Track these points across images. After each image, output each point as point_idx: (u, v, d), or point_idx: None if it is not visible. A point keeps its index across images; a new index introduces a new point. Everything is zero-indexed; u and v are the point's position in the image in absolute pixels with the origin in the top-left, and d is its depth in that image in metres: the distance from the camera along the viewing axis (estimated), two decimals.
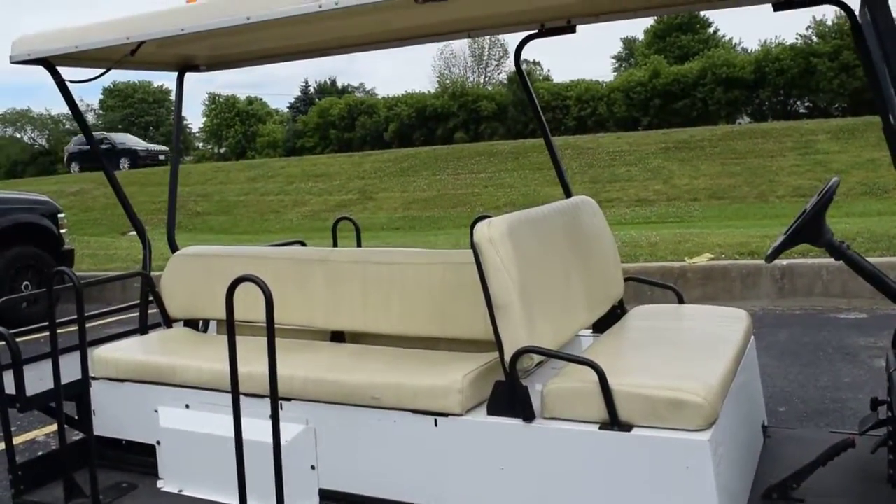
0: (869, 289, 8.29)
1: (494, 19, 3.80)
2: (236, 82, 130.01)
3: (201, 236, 18.95)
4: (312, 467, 3.18)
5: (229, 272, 3.93)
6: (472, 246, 2.86)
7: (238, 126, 61.82)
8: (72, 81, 4.03)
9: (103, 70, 3.99)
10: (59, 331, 3.38)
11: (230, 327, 2.91)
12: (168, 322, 4.24)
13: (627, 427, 2.62)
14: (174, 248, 4.41)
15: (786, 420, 4.81)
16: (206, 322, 4.33)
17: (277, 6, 3.03)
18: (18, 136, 67.53)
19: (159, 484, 3.51)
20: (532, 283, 2.93)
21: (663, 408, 2.57)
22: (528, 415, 2.77)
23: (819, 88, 34.58)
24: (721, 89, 36.70)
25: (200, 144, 69.71)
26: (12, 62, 3.89)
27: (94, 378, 3.72)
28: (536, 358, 2.85)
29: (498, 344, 2.84)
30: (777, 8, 3.22)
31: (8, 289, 9.34)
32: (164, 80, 75.12)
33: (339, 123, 52.98)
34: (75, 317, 3.35)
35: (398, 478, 3.02)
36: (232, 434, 3.04)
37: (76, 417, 3.82)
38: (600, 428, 2.65)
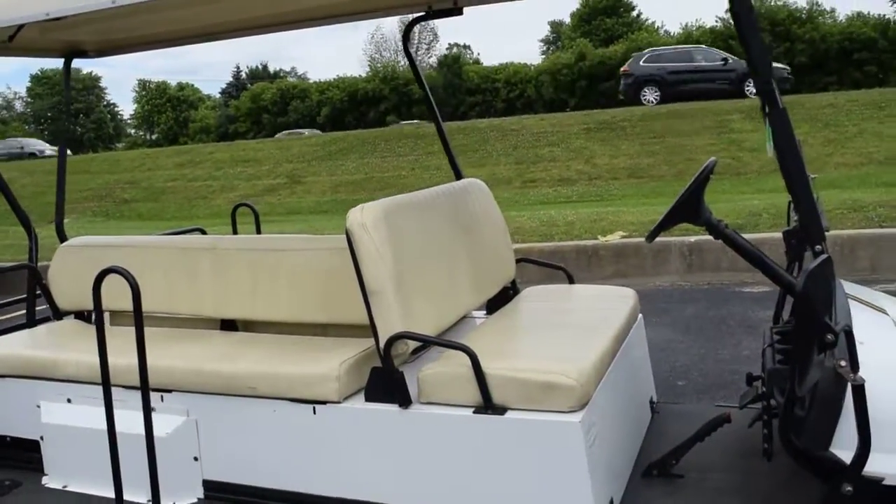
0: (780, 261, 8.47)
1: (383, 1, 3.71)
2: (167, 68, 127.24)
3: (128, 223, 18.52)
4: (195, 458, 3.09)
5: (118, 262, 3.80)
6: (346, 232, 2.77)
7: (169, 112, 60.70)
8: None
9: None
10: None
11: (98, 319, 2.81)
12: (57, 314, 4.06)
13: (501, 410, 2.58)
14: (63, 238, 4.22)
15: (684, 393, 4.84)
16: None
17: None
18: None
19: (44, 480, 3.39)
20: (409, 268, 2.86)
21: (536, 391, 2.54)
22: (403, 400, 2.71)
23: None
24: None
25: (132, 131, 68.21)
26: None
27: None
28: (412, 344, 2.78)
29: (373, 330, 2.77)
30: None
31: None
32: (94, 66, 73.06)
33: (271, 108, 52.44)
34: None
35: (280, 466, 2.95)
36: (123, 429, 2.95)
37: None
38: (475, 412, 2.60)
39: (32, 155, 36.86)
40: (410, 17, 3.96)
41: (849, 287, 3.01)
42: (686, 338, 6.05)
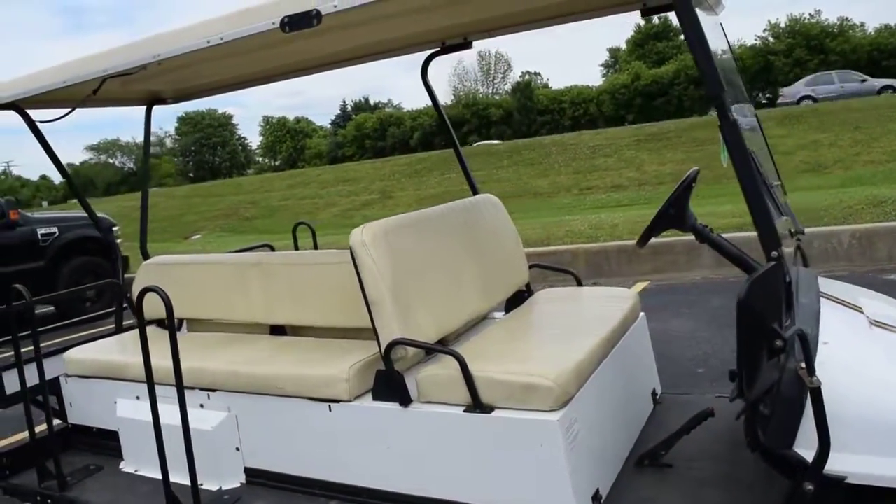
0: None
1: (401, 41, 3.59)
2: (287, 105, 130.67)
3: (249, 237, 18.90)
4: (237, 448, 3.06)
5: (187, 277, 3.81)
6: (350, 249, 2.66)
7: (289, 141, 62.16)
8: (41, 121, 3.84)
9: (69, 109, 3.80)
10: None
11: (141, 329, 2.82)
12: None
13: (489, 409, 2.42)
14: (146, 257, 4.24)
15: (703, 380, 4.54)
16: (180, 322, 4.16)
17: (179, 43, 2.83)
18: (111, 161, 68.40)
19: (121, 465, 3.41)
20: (409, 280, 2.72)
21: (518, 391, 2.38)
22: (403, 400, 2.59)
23: (777, 81, 33.95)
24: (693, 87, 36.19)
25: (259, 159, 70.14)
26: None
27: (67, 375, 3.68)
28: (412, 349, 2.63)
29: (376, 336, 2.64)
30: (644, 14, 2.97)
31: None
32: (227, 106, 75.55)
33: (372, 134, 53.20)
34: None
35: (305, 457, 2.89)
36: (172, 421, 2.96)
37: (57, 409, 3.72)
38: (465, 410, 2.46)
39: None
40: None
41: (829, 285, 2.71)
42: (709, 328, 5.71)
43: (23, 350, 3.36)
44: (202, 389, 3.11)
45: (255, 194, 24.88)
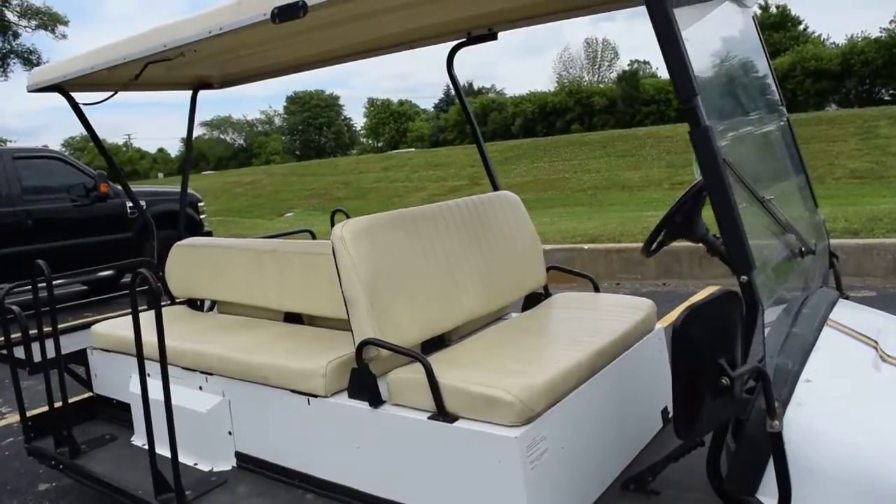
0: (883, 267, 7.30)
1: (427, 31, 3.51)
2: (393, 87, 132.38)
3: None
4: (229, 433, 3.09)
5: (213, 259, 3.87)
6: (332, 245, 2.61)
7: (392, 124, 62.88)
8: (85, 104, 3.97)
9: (112, 92, 3.90)
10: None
11: (134, 312, 2.91)
12: (172, 301, 4.18)
13: (453, 418, 2.33)
14: (181, 238, 4.33)
15: None
16: (210, 303, 4.24)
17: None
18: (222, 137, 71.24)
19: (132, 438, 3.50)
20: (392, 279, 2.65)
21: (481, 403, 2.27)
22: (373, 400, 2.53)
23: None
24: (810, 80, 34.34)
25: (364, 140, 71.39)
26: (29, 91, 3.86)
27: (93, 348, 3.80)
28: (384, 350, 2.55)
29: (352, 334, 2.58)
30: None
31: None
32: (335, 87, 77.24)
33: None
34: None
35: (286, 448, 2.89)
36: (177, 401, 3.04)
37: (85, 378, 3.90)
38: (429, 417, 2.37)
39: None
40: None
41: (849, 311, 2.44)
42: None
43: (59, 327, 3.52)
44: (202, 372, 3.16)
45: (349, 175, 25.32)
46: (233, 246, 3.87)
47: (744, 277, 1.75)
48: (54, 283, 3.31)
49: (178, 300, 4.18)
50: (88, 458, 3.35)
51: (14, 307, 3.48)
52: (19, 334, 3.53)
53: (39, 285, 3.35)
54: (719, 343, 1.62)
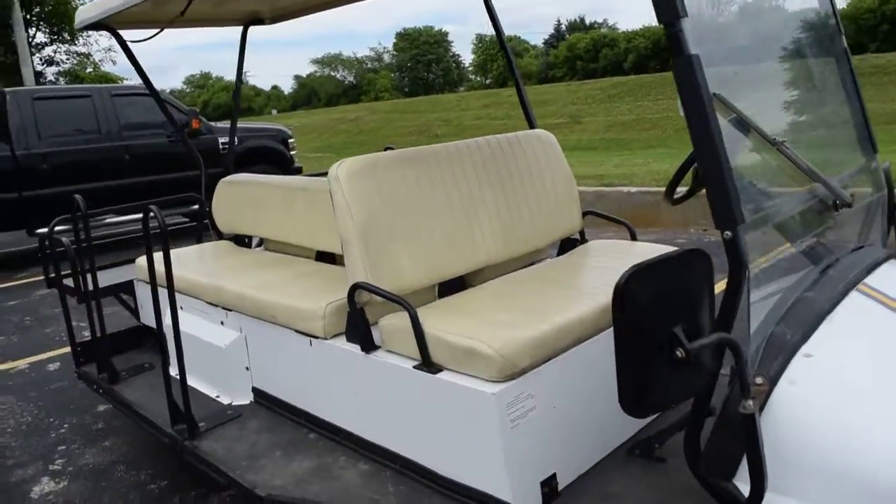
0: None
1: None
2: (506, 22, 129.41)
3: None
4: (247, 368, 3.13)
5: (254, 196, 3.86)
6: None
7: (500, 60, 61.65)
8: (132, 41, 3.98)
9: (158, 30, 3.89)
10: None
11: (147, 247, 2.95)
12: (219, 236, 4.22)
13: (437, 368, 2.23)
14: (227, 174, 4.35)
15: None
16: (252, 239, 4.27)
17: None
18: (332, 74, 72.14)
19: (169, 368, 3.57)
20: (392, 221, 2.55)
21: (461, 355, 2.16)
22: (365, 345, 2.47)
23: None
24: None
25: (472, 77, 70.59)
26: (77, 29, 3.92)
27: (138, 280, 3.90)
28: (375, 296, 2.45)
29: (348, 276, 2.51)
30: None
31: None
32: (445, 23, 76.37)
33: (584, 56, 51.27)
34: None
35: (294, 387, 2.90)
36: (201, 335, 3.24)
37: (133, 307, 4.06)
38: (414, 367, 2.29)
39: None
40: None
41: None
42: None
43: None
44: (223, 308, 3.17)
45: (450, 112, 25.11)
46: (269, 183, 3.85)
47: (727, 233, 1.51)
48: (136, 217, 3.39)
49: (225, 236, 4.22)
50: (125, 385, 3.47)
51: (64, 239, 3.59)
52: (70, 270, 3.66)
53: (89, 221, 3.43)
54: (677, 308, 1.40)
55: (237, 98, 4.78)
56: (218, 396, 3.18)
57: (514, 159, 3.05)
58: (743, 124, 1.92)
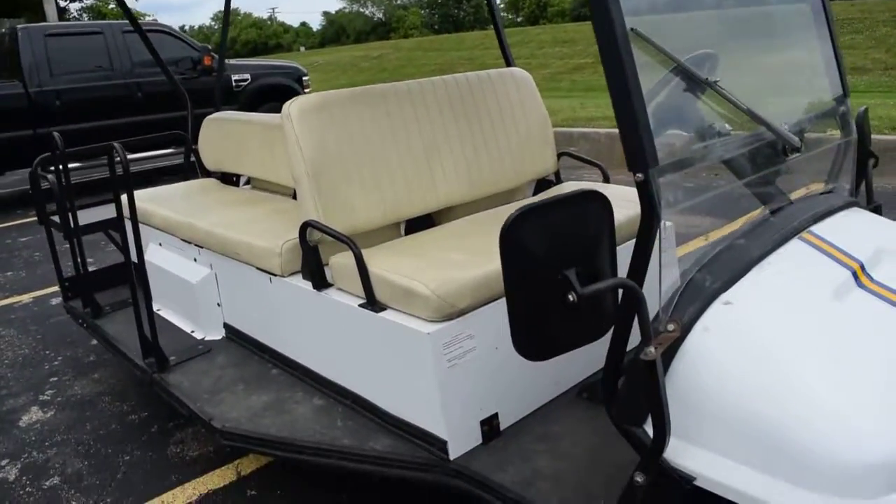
0: None
1: None
2: None
3: None
4: (218, 304, 3.19)
5: (236, 133, 3.86)
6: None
7: None
8: None
9: None
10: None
11: (113, 183, 3.00)
12: (206, 174, 4.24)
13: (381, 307, 2.26)
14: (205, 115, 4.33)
15: None
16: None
17: None
18: (361, 11, 71.02)
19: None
20: (346, 159, 2.54)
21: (401, 295, 2.18)
22: (317, 283, 2.50)
23: None
24: None
25: (503, 14, 68.97)
26: None
27: (126, 218, 3.90)
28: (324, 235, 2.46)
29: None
30: None
31: None
32: None
33: None
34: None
35: (258, 323, 2.96)
36: (176, 271, 3.31)
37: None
38: (360, 305, 2.31)
39: None
40: None
41: (853, 223, 2.07)
42: None
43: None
44: (196, 245, 3.21)
45: (474, 51, 24.66)
46: (251, 121, 3.84)
47: (639, 175, 1.47)
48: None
49: (214, 174, 4.23)
50: (108, 320, 3.55)
51: (50, 176, 3.63)
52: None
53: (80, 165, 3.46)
54: (569, 252, 1.37)
55: (225, 33, 4.72)
56: (193, 332, 3.25)
57: (483, 98, 3.00)
58: (682, 68, 1.85)
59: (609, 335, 1.57)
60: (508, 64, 3.49)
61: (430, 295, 2.06)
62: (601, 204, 1.41)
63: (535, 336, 1.39)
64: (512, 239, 1.33)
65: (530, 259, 1.34)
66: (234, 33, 64.37)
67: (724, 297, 1.62)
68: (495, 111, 3.03)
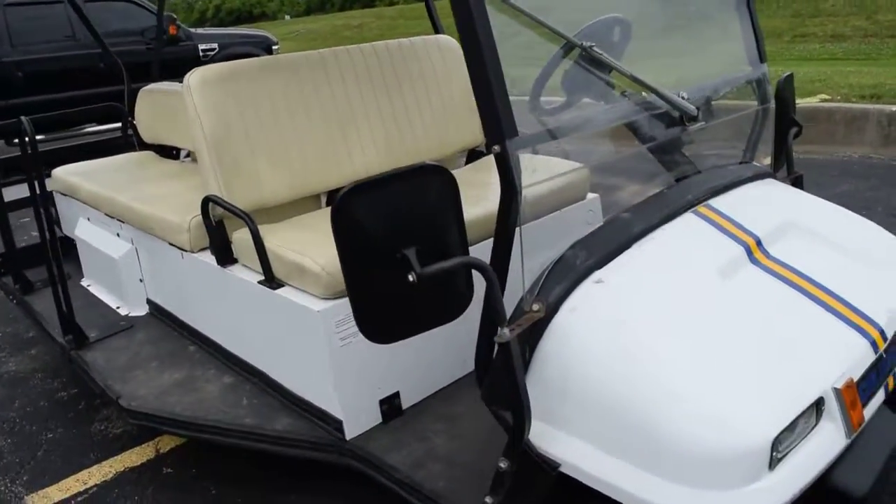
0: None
1: None
2: None
3: None
4: (140, 280, 3.15)
5: (171, 105, 3.76)
6: None
7: None
8: None
9: None
10: None
11: (24, 158, 2.90)
12: (143, 146, 4.14)
13: (279, 284, 2.22)
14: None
15: None
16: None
17: None
18: None
19: (82, 280, 3.62)
20: (248, 132, 2.48)
21: (295, 272, 2.15)
22: (221, 258, 2.47)
23: None
24: None
25: None
26: None
27: (56, 192, 3.82)
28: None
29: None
30: None
31: None
32: None
33: None
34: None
35: (175, 299, 2.93)
36: (101, 246, 3.27)
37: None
38: (258, 281, 2.28)
39: None
40: None
41: (759, 194, 2.02)
42: None
43: None
44: (118, 220, 3.15)
45: None
46: (179, 90, 3.74)
47: (496, 147, 1.41)
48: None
49: (151, 146, 4.14)
50: (37, 296, 3.49)
51: None
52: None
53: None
54: (409, 230, 1.31)
55: (161, 6, 4.60)
56: (119, 308, 3.20)
57: (405, 67, 2.92)
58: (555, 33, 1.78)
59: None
60: (437, 31, 3.40)
61: (319, 271, 2.02)
62: (444, 178, 1.35)
63: (378, 318, 1.34)
64: (345, 217, 1.27)
65: (367, 238, 1.28)
66: (217, 1, 63.25)
67: (596, 275, 1.57)
68: (418, 80, 2.95)
